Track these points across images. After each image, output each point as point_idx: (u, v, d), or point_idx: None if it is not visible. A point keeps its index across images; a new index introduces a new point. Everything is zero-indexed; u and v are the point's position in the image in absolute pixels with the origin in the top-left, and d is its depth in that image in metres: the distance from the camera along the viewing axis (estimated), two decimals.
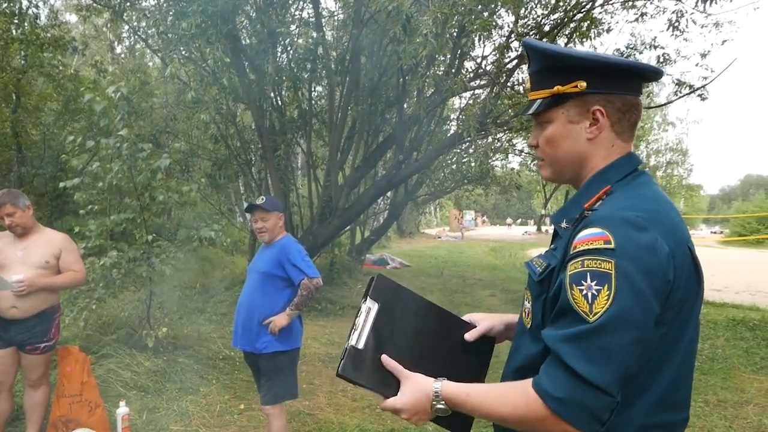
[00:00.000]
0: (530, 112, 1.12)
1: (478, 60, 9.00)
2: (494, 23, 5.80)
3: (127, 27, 9.87)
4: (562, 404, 0.89)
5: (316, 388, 4.63)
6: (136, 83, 10.19)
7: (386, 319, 1.11)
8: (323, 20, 9.01)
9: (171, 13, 5.95)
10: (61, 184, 4.63)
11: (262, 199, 3.11)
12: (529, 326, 1.10)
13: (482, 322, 1.28)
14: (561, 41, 8.03)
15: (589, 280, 0.91)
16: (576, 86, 1.04)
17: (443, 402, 1.03)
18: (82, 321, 4.74)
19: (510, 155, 12.82)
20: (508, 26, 7.85)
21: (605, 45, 19.38)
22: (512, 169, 14.08)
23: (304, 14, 8.26)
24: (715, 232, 43.07)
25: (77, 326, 4.86)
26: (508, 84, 8.00)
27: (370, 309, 1.11)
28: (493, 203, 65.39)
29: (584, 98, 1.06)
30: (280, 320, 2.95)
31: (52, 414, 3.32)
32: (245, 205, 14.76)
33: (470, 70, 8.79)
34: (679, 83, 8.21)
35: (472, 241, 28.11)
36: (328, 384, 4.75)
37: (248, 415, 3.99)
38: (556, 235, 1.15)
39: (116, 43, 14.05)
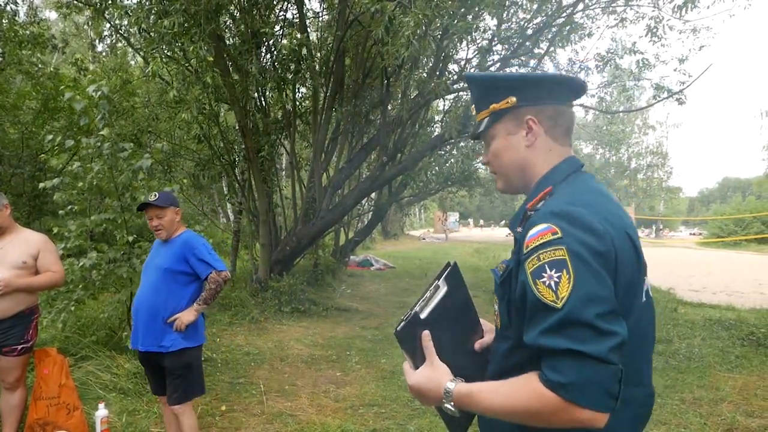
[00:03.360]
0: (478, 131, 1.27)
1: (462, 63, 9.09)
2: (475, 26, 5.86)
3: (108, 25, 9.74)
4: (572, 389, 0.90)
5: (298, 389, 4.63)
6: (118, 82, 10.07)
7: (446, 302, 1.19)
8: (308, 21, 9.01)
9: (153, 11, 5.89)
10: (41, 185, 4.56)
11: (155, 195, 2.98)
12: (499, 327, 1.19)
13: (489, 334, 1.34)
14: (543, 45, 8.15)
15: (548, 270, 0.96)
16: (507, 102, 1.19)
17: (452, 402, 1.07)
18: (61, 323, 4.67)
19: None
20: (491, 30, 7.94)
21: (586, 49, 19.57)
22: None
23: (289, 15, 8.24)
24: (693, 234, 43.85)
25: (56, 328, 4.78)
26: None
27: (439, 287, 1.19)
28: (477, 205, 65.81)
29: (517, 111, 1.19)
30: (187, 316, 2.85)
31: (29, 417, 3.27)
32: (228, 206, 14.67)
33: (454, 72, 8.85)
34: (658, 87, 8.37)
35: (456, 243, 28.26)
36: (310, 385, 4.74)
37: (230, 417, 3.97)
38: (516, 240, 1.19)
39: (97, 41, 13.85)
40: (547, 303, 0.95)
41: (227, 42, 7.45)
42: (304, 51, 6.84)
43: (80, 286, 4.65)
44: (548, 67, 10.00)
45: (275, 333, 6.63)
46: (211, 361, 5.23)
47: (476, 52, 7.83)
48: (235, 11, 7.29)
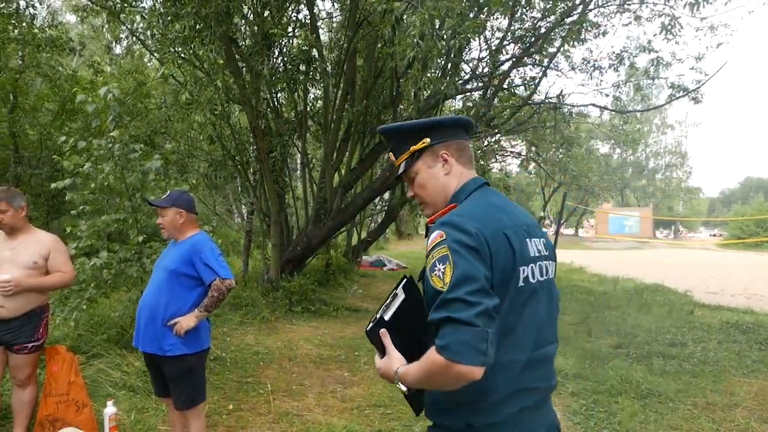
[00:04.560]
0: (401, 172, 1.54)
1: (474, 62, 9.04)
2: (484, 25, 5.81)
3: (124, 27, 9.89)
4: (450, 349, 1.15)
5: (305, 389, 4.64)
6: (132, 84, 10.21)
7: (403, 307, 1.44)
8: (319, 22, 9.04)
9: (165, 15, 5.96)
10: (53, 185, 4.64)
11: (167, 194, 3.00)
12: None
13: None
14: (557, 43, 8.06)
15: (438, 265, 1.25)
16: (424, 142, 1.50)
17: (399, 381, 1.33)
18: (73, 321, 4.75)
19: (510, 158, 12.82)
20: (503, 29, 7.88)
21: (600, 48, 19.31)
22: (501, 170, 14.10)
23: (300, 16, 8.27)
24: (714, 235, 43.07)
25: (68, 326, 4.87)
26: (503, 86, 8.01)
27: (397, 295, 1.43)
28: None
29: (432, 148, 1.50)
30: (187, 321, 2.78)
31: (39, 413, 3.33)
32: (242, 207, 14.79)
33: (465, 72, 8.81)
34: (674, 86, 8.23)
35: None
36: (317, 385, 4.76)
37: (237, 416, 4.00)
38: None
39: (114, 43, 14.06)
40: (438, 289, 1.22)
41: (239, 44, 7.50)
42: (315, 52, 6.86)
43: (92, 285, 4.73)
44: (563, 66, 9.93)
45: (285, 332, 6.66)
46: (221, 360, 5.28)
47: (488, 52, 7.77)
48: (249, 13, 7.35)
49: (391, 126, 1.56)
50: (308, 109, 9.14)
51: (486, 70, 8.33)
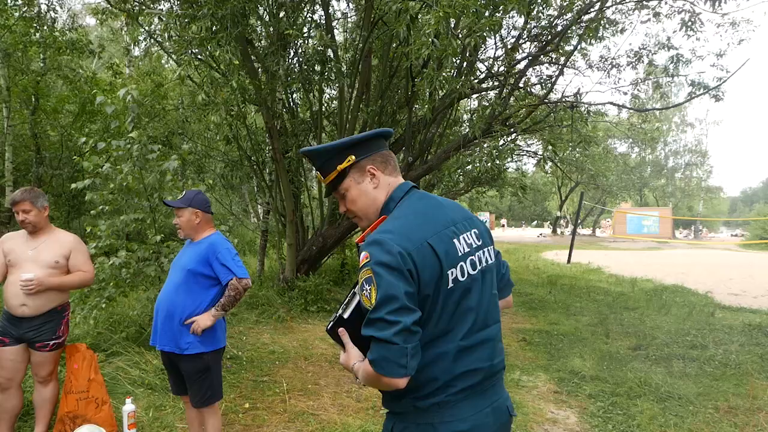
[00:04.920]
0: (332, 191, 1.63)
1: (490, 61, 8.97)
2: (500, 23, 5.76)
3: (142, 30, 10.02)
4: (375, 363, 1.32)
5: (321, 388, 4.66)
6: (150, 86, 10.33)
7: (360, 306, 1.51)
8: (335, 22, 9.06)
9: (182, 16, 6.02)
10: (73, 185, 4.72)
11: (182, 194, 3.05)
12: None
13: None
14: (573, 41, 7.97)
15: (365, 285, 1.37)
16: (349, 160, 1.57)
17: (356, 376, 1.45)
18: (93, 319, 4.83)
19: (526, 157, 12.70)
20: (518, 28, 7.81)
21: (618, 45, 19.06)
22: (517, 169, 13.99)
23: (315, 17, 8.29)
24: (735, 235, 42.26)
25: (88, 324, 4.95)
26: (520, 85, 7.94)
27: (355, 295, 1.51)
28: (508, 205, 65.03)
29: (358, 164, 1.58)
30: (204, 321, 2.82)
31: (60, 410, 3.38)
32: (258, 207, 14.88)
33: (481, 71, 8.75)
34: (693, 84, 8.08)
35: None
36: (333, 385, 4.77)
37: (253, 414, 4.02)
38: None
39: (132, 46, 14.26)
40: (367, 307, 1.36)
41: (255, 45, 7.55)
42: (330, 52, 6.87)
43: (111, 284, 4.80)
44: (580, 65, 9.81)
45: (300, 332, 6.69)
46: (237, 359, 5.31)
47: (504, 51, 7.70)
48: (264, 14, 7.39)
49: (315, 148, 1.62)
50: (323, 109, 9.16)
51: (502, 68, 8.27)
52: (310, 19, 7.86)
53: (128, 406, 3.52)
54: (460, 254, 1.48)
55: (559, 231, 40.77)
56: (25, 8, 10.51)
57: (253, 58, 7.46)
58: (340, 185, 1.61)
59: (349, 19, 10.15)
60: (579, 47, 7.74)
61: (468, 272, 1.49)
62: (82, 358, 3.49)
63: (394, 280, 1.34)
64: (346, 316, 1.52)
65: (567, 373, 5.19)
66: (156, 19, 8.58)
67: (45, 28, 10.68)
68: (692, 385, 4.82)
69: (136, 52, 14.99)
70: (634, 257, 20.80)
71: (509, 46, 7.35)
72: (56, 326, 3.28)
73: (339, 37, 9.92)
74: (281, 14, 7.11)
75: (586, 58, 9.53)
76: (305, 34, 7.67)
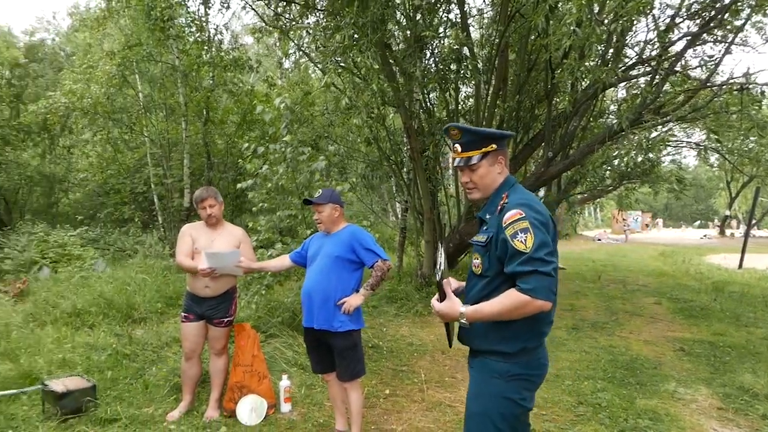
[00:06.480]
0: (470, 164, 2.04)
1: (641, 45, 8.27)
2: (651, 3, 5.27)
3: (292, 44, 10.95)
4: (535, 291, 1.74)
5: (458, 381, 4.72)
6: (300, 94, 11.24)
7: (447, 263, 2.01)
8: (470, 20, 9.04)
9: (327, 28, 6.49)
10: (239, 185, 5.37)
11: (319, 192, 3.36)
12: (479, 273, 2.02)
13: (456, 283, 2.20)
14: (744, 14, 7.00)
15: (520, 234, 1.81)
16: (492, 147, 2.03)
17: (465, 318, 1.89)
18: (254, 304, 5.44)
19: (685, 149, 11.39)
20: (673, 6, 7.08)
21: None
22: (673, 161, 12.57)
23: (451, 16, 8.36)
24: None
25: (250, 308, 5.58)
26: (676, 69, 7.19)
27: (442, 253, 1.96)
28: (664, 203, 58.80)
29: (495, 152, 2.04)
30: (355, 300, 3.14)
31: (230, 380, 3.89)
32: (397, 205, 15.38)
33: (630, 57, 8.11)
34: None
35: (637, 245, 25.70)
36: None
37: (392, 400, 4.22)
38: (482, 223, 2.09)
39: (284, 59, 15.63)
40: (521, 250, 1.79)
41: (392, 48, 7.85)
42: (465, 50, 6.89)
43: (269, 274, 5.36)
44: (753, 40, 8.57)
45: (438, 326, 6.81)
46: (378, 348, 5.60)
47: (656, 33, 7.03)
48: (402, 18, 7.65)
49: (469, 127, 2.06)
50: (459, 108, 9.20)
51: (654, 52, 7.57)
52: (445, 18, 7.94)
53: (284, 382, 3.94)
54: (556, 232, 1.96)
55: (728, 232, 35.96)
56: (198, 33, 12.11)
57: (391, 61, 7.76)
58: (476, 163, 2.03)
59: (484, 15, 10.07)
60: (751, 20, 6.79)
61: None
62: (247, 336, 3.97)
63: (545, 231, 1.83)
64: (442, 269, 1.95)
65: (734, 389, 4.62)
66: (304, 33, 9.34)
67: (213, 49, 12.20)
68: None
69: (287, 64, 16.44)
70: None
71: (662, 28, 6.69)
72: (228, 306, 3.79)
73: (475, 34, 9.87)
74: (418, 17, 7.29)
75: (762, 32, 8.31)
76: (441, 34, 7.78)
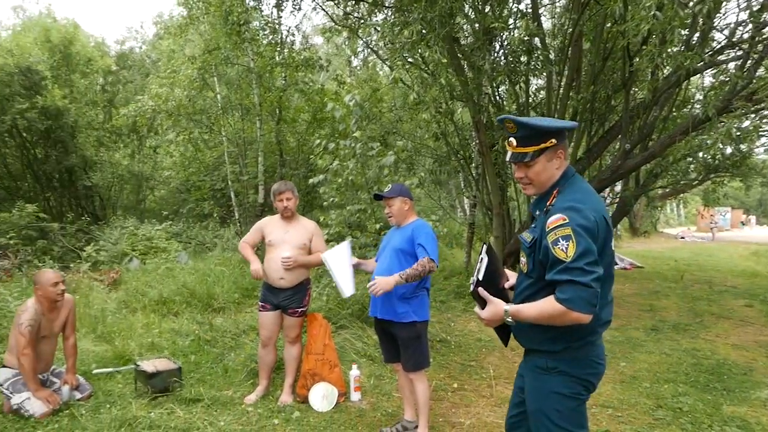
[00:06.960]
0: (526, 159, 1.91)
1: (731, 27, 7.68)
2: None
3: (361, 42, 11.11)
4: (570, 301, 1.69)
5: None
6: (368, 91, 11.39)
7: (489, 267, 2.00)
8: (542, 9, 8.78)
9: (396, 24, 6.53)
10: (310, 181, 5.55)
11: (389, 187, 3.38)
12: (525, 271, 1.99)
13: (511, 278, 2.18)
14: None
15: (561, 241, 1.73)
16: (551, 142, 1.88)
17: (510, 317, 1.88)
18: (326, 296, 5.61)
19: None
20: None
21: None
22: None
23: (521, 6, 8.16)
24: None
25: (321, 300, 5.76)
26: None
27: (483, 259, 1.97)
28: (757, 198, 54.27)
29: (554, 147, 1.90)
30: (385, 283, 3.04)
31: (303, 367, 4.05)
32: (464, 200, 15.24)
33: (718, 41, 7.56)
34: None
35: (726, 243, 23.92)
36: None
37: (460, 394, 4.23)
38: (532, 219, 2.07)
39: (353, 57, 15.88)
40: (561, 258, 1.73)
41: (461, 42, 7.77)
42: (536, 41, 6.71)
43: None
44: None
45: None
46: (446, 342, 5.61)
47: (748, 13, 6.49)
48: (470, 11, 7.56)
49: (526, 120, 1.88)
50: (530, 101, 8.97)
51: (747, 35, 7.01)
52: (515, 9, 7.77)
53: (354, 371, 4.05)
54: (611, 229, 1.87)
55: None
56: (271, 36, 12.55)
57: (459, 55, 7.70)
58: (532, 159, 1.90)
59: (557, 4, 9.74)
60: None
61: (612, 245, 1.87)
62: (319, 325, 4.12)
63: (590, 239, 1.72)
64: (480, 277, 1.95)
65: None
66: (372, 30, 9.45)
67: (285, 50, 12.61)
68: None
69: (355, 62, 16.69)
70: None
71: (756, 7, 6.18)
72: (302, 296, 3.95)
73: (546, 24, 9.58)
74: (486, 8, 7.18)
75: None
76: (511, 26, 7.62)
